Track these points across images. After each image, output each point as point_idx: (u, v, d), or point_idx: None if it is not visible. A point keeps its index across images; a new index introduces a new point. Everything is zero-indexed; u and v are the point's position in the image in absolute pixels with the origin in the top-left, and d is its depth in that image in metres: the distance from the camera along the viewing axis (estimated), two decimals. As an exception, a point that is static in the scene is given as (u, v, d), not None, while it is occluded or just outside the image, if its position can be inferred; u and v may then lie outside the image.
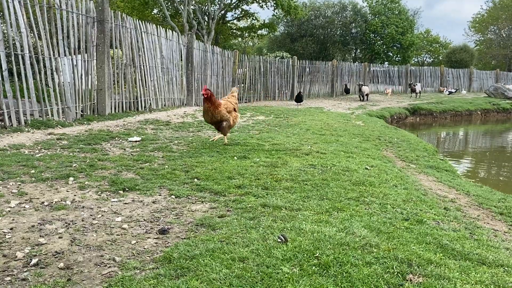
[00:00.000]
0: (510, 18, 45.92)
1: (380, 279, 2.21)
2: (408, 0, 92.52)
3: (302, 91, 20.03)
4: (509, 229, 3.42)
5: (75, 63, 7.99)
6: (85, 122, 7.75)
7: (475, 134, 15.38)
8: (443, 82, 29.61)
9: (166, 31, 11.55)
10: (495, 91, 24.85)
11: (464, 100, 22.32)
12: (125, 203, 3.39)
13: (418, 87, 23.12)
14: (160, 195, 3.61)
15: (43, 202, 3.32)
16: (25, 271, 2.24)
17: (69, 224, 2.90)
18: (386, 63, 40.39)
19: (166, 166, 4.57)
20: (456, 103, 20.41)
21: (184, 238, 2.70)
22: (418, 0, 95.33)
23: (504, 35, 48.62)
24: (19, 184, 3.74)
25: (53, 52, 7.48)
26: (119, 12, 9.54)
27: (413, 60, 50.33)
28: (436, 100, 21.15)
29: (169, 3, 27.33)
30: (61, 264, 2.31)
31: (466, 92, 26.41)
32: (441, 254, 2.56)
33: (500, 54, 47.62)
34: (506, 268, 2.46)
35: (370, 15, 41.47)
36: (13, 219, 2.94)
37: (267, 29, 34.82)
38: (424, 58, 56.89)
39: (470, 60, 41.58)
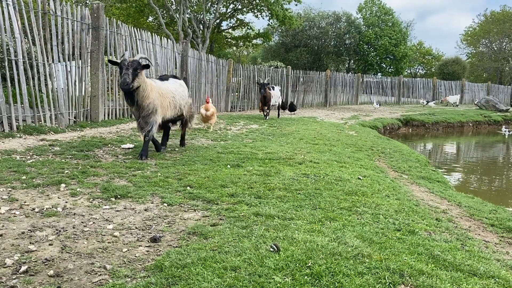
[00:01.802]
0: (501, 32, 46.58)
1: (372, 289, 2.21)
2: (402, 12, 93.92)
3: (296, 100, 20.12)
4: (500, 240, 3.44)
5: (69, 69, 7.98)
6: (78, 129, 7.71)
7: (467, 146, 15.50)
8: (435, 94, 29.90)
9: (161, 38, 11.57)
10: (486, 103, 25.13)
11: (456, 112, 22.54)
12: (117, 211, 3.37)
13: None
14: (152, 203, 3.59)
15: (34, 209, 3.28)
16: (14, 279, 2.21)
17: (60, 231, 2.88)
18: (379, 74, 40.73)
19: (159, 174, 4.55)
20: (448, 115, 20.59)
21: (176, 247, 2.68)
22: (410, 12, 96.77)
23: (495, 48, 49.27)
24: (10, 190, 3.71)
25: (47, 58, 7.46)
26: (114, 19, 9.56)
27: (406, 71, 50.77)
28: (429, 112, 21.34)
29: (164, 11, 27.38)
30: (51, 272, 2.29)
31: (434, 105, 26.70)
32: (432, 265, 2.56)
33: (492, 67, 48.21)
34: (497, 280, 2.47)
35: (364, 26, 41.86)
36: (2, 226, 2.90)
37: (262, 38, 34.96)
38: (417, 70, 57.45)
39: (462, 72, 42.05)
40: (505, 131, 17.83)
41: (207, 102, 8.95)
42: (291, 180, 4.52)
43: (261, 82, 12.99)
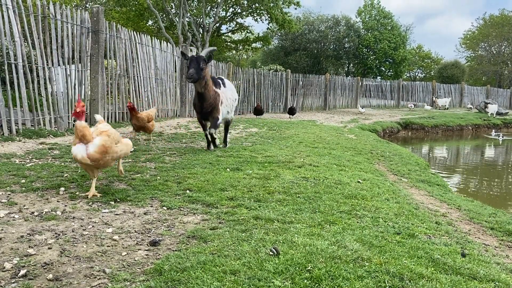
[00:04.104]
0: (500, 36, 46.73)
1: (372, 293, 2.20)
2: (401, 16, 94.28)
3: (295, 104, 20.16)
4: (500, 244, 3.44)
5: (68, 73, 7.98)
6: (77, 132, 7.70)
7: (466, 149, 15.51)
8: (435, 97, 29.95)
9: (160, 42, 11.60)
10: (485, 106, 25.14)
11: (456, 115, 22.57)
12: (116, 214, 3.36)
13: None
14: (151, 207, 3.59)
15: (33, 212, 3.28)
16: (13, 282, 2.20)
17: (59, 234, 2.87)
18: (378, 77, 40.82)
19: (158, 177, 4.55)
20: (448, 118, 20.62)
21: (175, 250, 2.68)
22: (409, 16, 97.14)
23: (494, 52, 49.40)
24: (9, 194, 3.70)
25: (47, 62, 7.47)
26: (114, 22, 9.58)
27: (405, 75, 50.89)
28: (428, 115, 21.36)
29: (164, 15, 27.47)
30: (50, 276, 2.28)
31: (430, 108, 26.48)
32: (432, 269, 2.56)
33: (491, 71, 48.35)
34: (497, 283, 2.47)
35: (363, 30, 42.01)
36: (1, 229, 2.90)
37: (261, 42, 35.07)
38: (416, 73, 57.57)
39: (461, 75, 42.15)
40: (495, 135, 17.69)
41: (79, 116, 3.66)
42: (291, 183, 4.52)
43: (191, 55, 6.08)
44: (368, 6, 42.87)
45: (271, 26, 30.45)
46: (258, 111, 14.78)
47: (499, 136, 17.37)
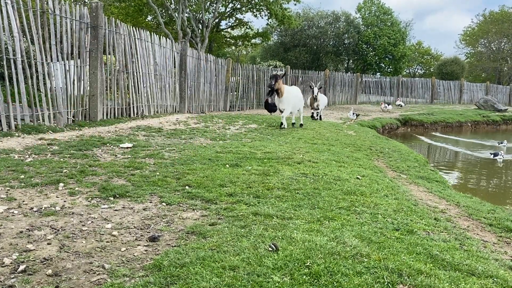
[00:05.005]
0: (500, 32, 46.67)
1: (371, 289, 2.21)
2: (400, 12, 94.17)
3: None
4: (498, 240, 3.45)
5: (67, 68, 7.96)
6: (76, 128, 7.70)
7: (465, 145, 15.49)
8: (434, 94, 29.92)
9: (160, 38, 11.56)
10: (485, 103, 25.16)
11: (455, 111, 22.57)
12: (116, 210, 3.36)
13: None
14: (151, 202, 3.59)
15: (32, 208, 3.28)
16: (12, 278, 2.20)
17: (58, 230, 2.87)
18: (378, 74, 40.74)
19: (158, 173, 4.55)
20: (447, 115, 20.62)
21: (175, 246, 2.68)
22: (409, 12, 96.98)
23: (494, 48, 49.36)
24: (8, 189, 3.70)
25: (46, 57, 7.44)
26: (113, 18, 9.54)
27: (405, 71, 50.80)
28: (427, 111, 21.36)
29: (163, 11, 27.38)
30: (49, 271, 2.28)
31: (405, 105, 24.20)
32: (431, 265, 2.57)
33: (490, 67, 48.31)
34: (495, 279, 2.48)
35: (363, 26, 41.88)
36: (1, 225, 2.90)
37: (261, 38, 34.96)
38: (416, 70, 57.48)
39: (461, 72, 42.09)
40: (501, 144, 15.52)
41: None
42: (290, 179, 4.52)
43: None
44: (368, 2, 42.73)
45: (270, 22, 30.36)
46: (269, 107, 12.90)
47: (503, 144, 15.42)
